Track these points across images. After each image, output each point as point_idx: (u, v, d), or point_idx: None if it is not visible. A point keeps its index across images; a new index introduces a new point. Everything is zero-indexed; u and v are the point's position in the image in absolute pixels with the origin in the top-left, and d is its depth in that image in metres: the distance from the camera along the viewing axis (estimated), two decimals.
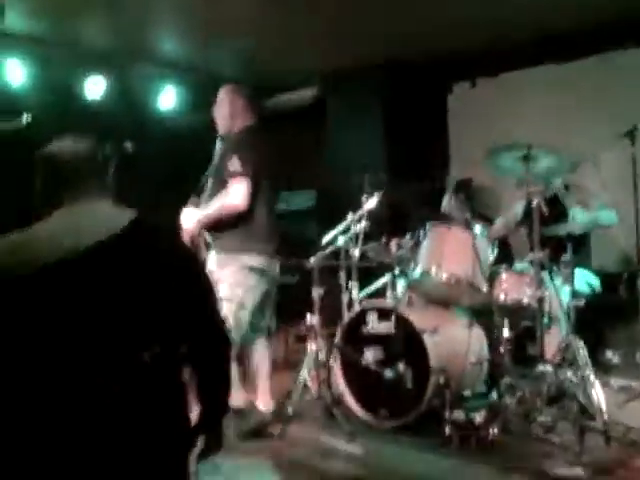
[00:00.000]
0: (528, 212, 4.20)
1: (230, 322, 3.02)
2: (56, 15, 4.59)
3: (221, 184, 3.21)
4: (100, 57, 5.48)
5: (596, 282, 4.05)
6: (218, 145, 3.46)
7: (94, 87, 5.43)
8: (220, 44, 5.38)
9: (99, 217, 1.56)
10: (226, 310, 2.99)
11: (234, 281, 3.16)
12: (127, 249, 1.51)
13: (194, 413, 1.60)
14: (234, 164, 3.12)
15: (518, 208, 4.40)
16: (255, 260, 3.21)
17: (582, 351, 3.25)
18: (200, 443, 1.61)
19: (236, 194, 3.11)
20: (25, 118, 5.10)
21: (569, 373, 3.19)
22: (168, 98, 5.89)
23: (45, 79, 5.28)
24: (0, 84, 5.04)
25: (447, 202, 4.44)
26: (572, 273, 3.51)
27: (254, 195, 3.16)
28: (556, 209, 3.96)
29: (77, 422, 1.37)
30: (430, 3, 4.50)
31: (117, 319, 1.44)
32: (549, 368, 3.19)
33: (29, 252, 1.44)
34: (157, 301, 1.51)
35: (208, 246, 3.30)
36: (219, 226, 3.20)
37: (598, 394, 3.05)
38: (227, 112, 3.44)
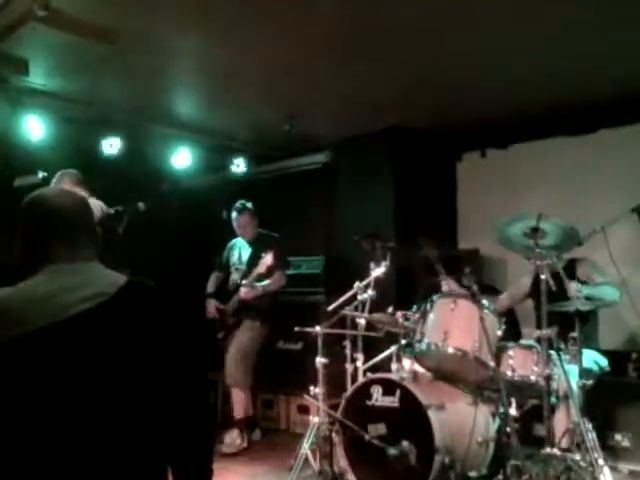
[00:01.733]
0: (536, 285, 4.20)
1: None
2: (76, 73, 4.71)
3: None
4: (117, 116, 5.61)
5: (604, 361, 4.00)
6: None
7: (110, 146, 5.53)
8: (234, 109, 5.51)
9: (92, 280, 1.48)
10: None
11: None
12: (119, 315, 1.44)
13: None
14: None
15: (526, 281, 4.39)
16: None
17: (590, 434, 3.19)
18: None
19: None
20: (41, 174, 5.20)
21: (577, 456, 3.12)
22: (182, 159, 5.99)
23: (63, 136, 5.39)
24: (20, 139, 5.14)
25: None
26: (580, 351, 3.47)
27: None
28: (563, 285, 3.95)
29: None
30: (442, 75, 4.60)
31: (98, 391, 1.38)
32: (556, 451, 3.12)
33: (14, 316, 1.37)
34: (144, 375, 1.44)
35: None
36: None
37: (607, 479, 2.97)
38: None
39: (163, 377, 1.47)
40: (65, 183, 4.32)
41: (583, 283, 3.85)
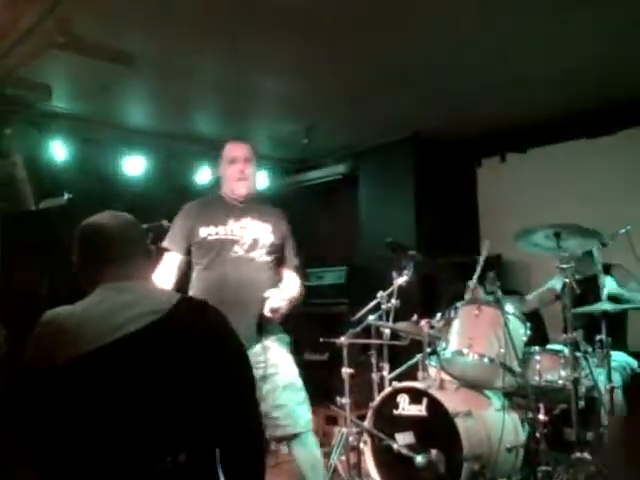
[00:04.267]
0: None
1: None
2: (97, 96, 4.82)
3: (275, 260, 3.04)
4: (140, 136, 5.71)
5: (635, 363, 3.96)
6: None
7: (134, 166, 5.63)
8: (254, 124, 5.58)
9: (144, 297, 1.50)
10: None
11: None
12: (173, 333, 1.45)
13: None
14: (291, 249, 3.12)
15: (556, 283, 4.37)
16: None
17: None
18: None
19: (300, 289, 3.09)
20: (67, 196, 5.30)
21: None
22: (204, 175, 6.07)
23: (86, 157, 5.49)
24: (45, 162, 5.26)
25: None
26: (608, 354, 3.44)
27: None
28: (591, 288, 3.92)
29: None
30: (459, 81, 4.62)
31: (147, 415, 1.37)
32: (587, 455, 3.09)
33: (71, 336, 1.39)
34: (198, 397, 1.43)
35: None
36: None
37: None
38: (253, 175, 3.13)
39: (215, 394, 1.46)
40: None
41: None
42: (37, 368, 1.38)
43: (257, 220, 3.03)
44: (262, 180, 6.10)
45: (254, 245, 2.96)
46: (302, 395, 2.94)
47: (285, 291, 2.90)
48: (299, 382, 2.97)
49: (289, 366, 2.95)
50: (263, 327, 2.85)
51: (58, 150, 5.24)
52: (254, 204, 3.09)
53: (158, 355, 1.42)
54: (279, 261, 3.05)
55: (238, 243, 2.94)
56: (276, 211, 3.15)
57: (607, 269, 4.05)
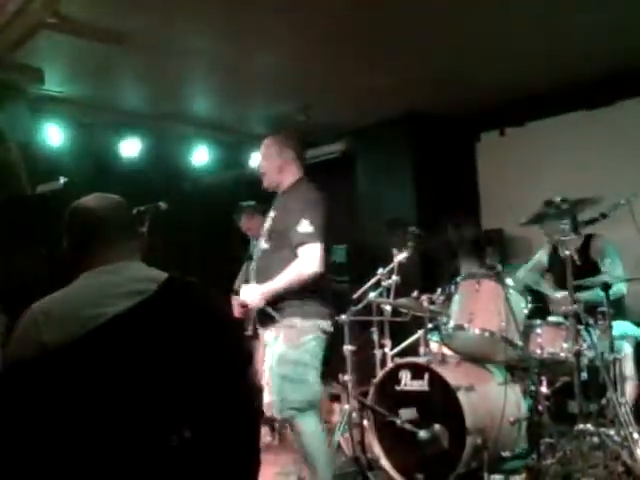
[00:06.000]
0: (554, 260, 4.18)
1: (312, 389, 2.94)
2: (92, 78, 4.77)
3: (282, 246, 2.99)
4: (135, 119, 5.66)
5: (637, 331, 3.96)
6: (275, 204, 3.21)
7: (129, 148, 5.60)
8: (250, 103, 5.53)
9: (131, 278, 1.49)
10: (310, 378, 2.93)
11: (316, 349, 2.97)
12: (161, 312, 1.44)
13: None
14: (305, 227, 2.89)
15: (542, 255, 4.37)
16: (328, 325, 3.03)
17: (624, 407, 3.15)
18: None
19: (312, 260, 2.88)
20: (62, 180, 5.28)
21: (611, 431, 3.09)
22: (201, 156, 6.03)
23: (82, 141, 5.46)
24: (40, 146, 5.22)
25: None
26: (610, 325, 3.42)
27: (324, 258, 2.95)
28: (587, 260, 3.92)
29: None
30: (457, 56, 4.56)
31: (148, 394, 1.36)
32: (590, 426, 3.09)
33: (58, 323, 1.38)
34: (192, 372, 1.42)
35: (272, 318, 2.96)
36: (285, 295, 2.93)
37: None
38: (276, 165, 3.14)
39: (206, 375, 1.46)
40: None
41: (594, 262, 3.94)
42: (25, 358, 1.37)
43: (273, 210, 3.18)
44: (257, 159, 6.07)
45: (264, 235, 3.13)
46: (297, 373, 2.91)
47: (258, 286, 2.99)
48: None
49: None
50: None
51: (53, 134, 5.20)
52: (291, 192, 3.12)
53: (148, 335, 1.41)
54: (281, 247, 2.99)
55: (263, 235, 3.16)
56: (298, 195, 3.06)
57: (587, 239, 4.05)
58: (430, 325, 3.73)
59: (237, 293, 5.03)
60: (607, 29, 4.16)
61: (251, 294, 3.01)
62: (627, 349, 3.81)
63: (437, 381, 3.30)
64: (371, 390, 3.54)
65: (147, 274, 1.54)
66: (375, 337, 3.99)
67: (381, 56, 4.52)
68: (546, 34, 4.24)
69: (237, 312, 4.75)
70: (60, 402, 1.33)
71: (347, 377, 3.58)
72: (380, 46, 4.34)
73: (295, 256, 2.92)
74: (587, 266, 3.86)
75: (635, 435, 3.02)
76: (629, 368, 3.77)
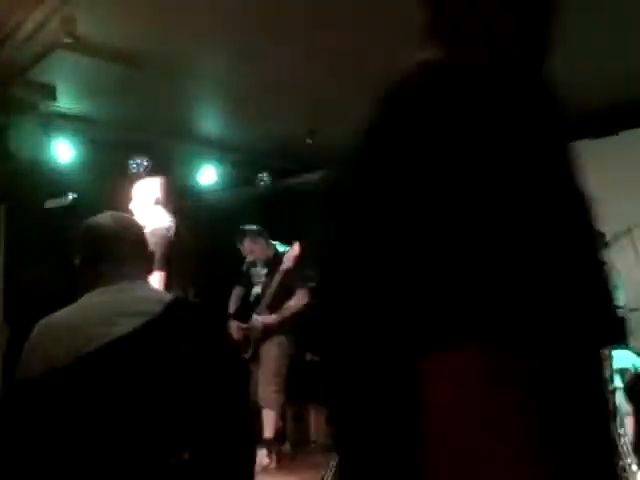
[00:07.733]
0: None
1: None
2: (102, 96, 4.83)
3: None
4: (143, 136, 5.72)
5: (639, 361, 3.95)
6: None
7: (137, 165, 5.65)
8: (256, 125, 5.58)
9: (137, 298, 1.50)
10: None
11: None
12: (164, 334, 1.45)
13: None
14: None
15: None
16: None
17: (623, 438, 3.14)
18: None
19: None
20: (71, 196, 5.33)
21: None
22: (208, 176, 6.08)
23: (91, 158, 5.51)
24: (50, 163, 5.27)
25: None
26: (610, 355, 3.42)
27: None
28: None
29: None
30: None
31: (148, 415, 1.37)
32: None
33: (64, 339, 1.39)
34: (192, 394, 1.42)
35: None
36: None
37: None
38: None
39: (206, 397, 1.46)
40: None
41: None
42: (32, 377, 1.38)
43: None
44: (265, 181, 6.12)
45: None
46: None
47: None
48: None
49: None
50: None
51: (63, 150, 5.26)
52: None
53: (151, 356, 1.42)
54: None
55: None
56: None
57: None
58: None
59: (233, 318, 5.02)
60: (609, 61, 4.22)
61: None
62: (617, 382, 3.76)
63: None
64: None
65: (153, 295, 1.56)
66: None
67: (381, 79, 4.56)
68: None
69: (236, 335, 4.82)
70: (63, 419, 1.34)
71: None
72: (386, 72, 4.39)
73: None
74: None
75: (634, 467, 3.02)
76: (623, 403, 3.73)
